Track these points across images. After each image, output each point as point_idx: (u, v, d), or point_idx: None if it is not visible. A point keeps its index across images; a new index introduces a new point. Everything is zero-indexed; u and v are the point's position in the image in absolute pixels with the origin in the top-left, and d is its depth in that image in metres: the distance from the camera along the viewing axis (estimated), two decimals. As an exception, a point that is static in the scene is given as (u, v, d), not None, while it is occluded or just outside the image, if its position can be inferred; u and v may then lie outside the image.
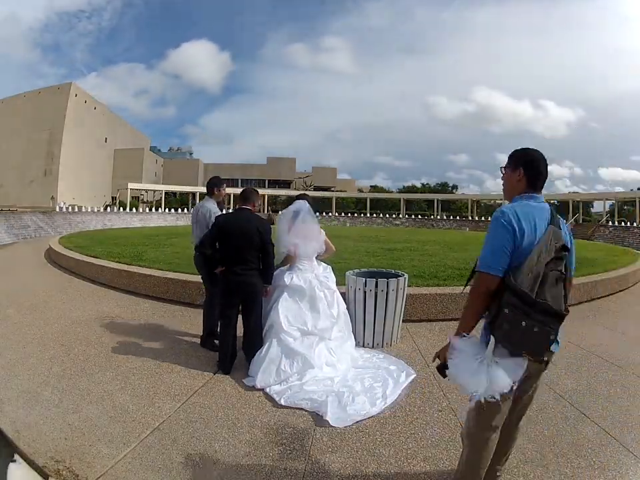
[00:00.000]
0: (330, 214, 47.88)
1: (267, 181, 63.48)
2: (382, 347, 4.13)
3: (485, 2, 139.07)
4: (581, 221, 41.75)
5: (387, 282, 4.03)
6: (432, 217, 52.87)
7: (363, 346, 4.00)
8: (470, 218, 51.41)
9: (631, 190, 49.49)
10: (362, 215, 51.54)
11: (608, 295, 6.76)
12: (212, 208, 3.97)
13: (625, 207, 46.75)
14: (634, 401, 3.03)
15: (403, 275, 4.37)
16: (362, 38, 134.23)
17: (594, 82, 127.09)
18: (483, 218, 50.54)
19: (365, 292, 3.99)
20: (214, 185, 4.11)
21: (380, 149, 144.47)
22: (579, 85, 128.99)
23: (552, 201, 52.42)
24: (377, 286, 3.98)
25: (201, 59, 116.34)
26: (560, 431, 2.61)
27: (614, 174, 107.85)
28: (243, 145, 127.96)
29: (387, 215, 51.67)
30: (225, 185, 4.19)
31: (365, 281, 4.01)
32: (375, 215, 51.56)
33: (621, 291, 7.17)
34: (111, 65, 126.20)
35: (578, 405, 2.93)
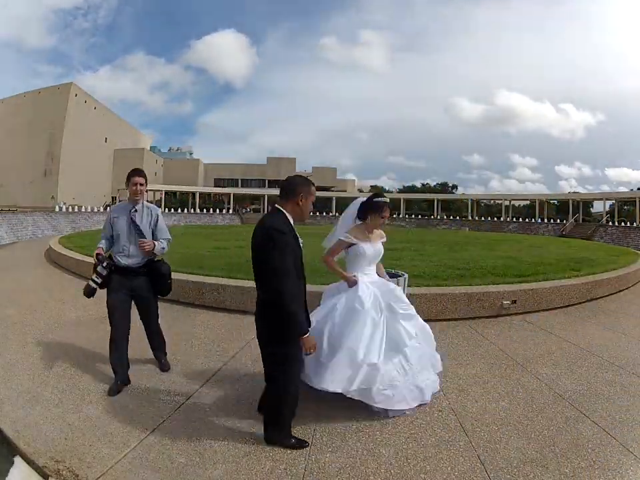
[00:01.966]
0: (330, 214, 48.13)
1: (267, 181, 63.48)
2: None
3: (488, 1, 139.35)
4: (581, 221, 41.76)
5: (387, 282, 4.02)
6: (432, 217, 53.24)
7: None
8: (470, 218, 52.13)
9: (631, 190, 49.52)
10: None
11: (608, 295, 6.75)
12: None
13: (625, 207, 46.74)
14: (634, 401, 3.02)
15: (404, 274, 4.36)
16: (382, 35, 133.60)
17: (606, 81, 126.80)
18: (482, 218, 51.56)
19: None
20: None
21: (392, 149, 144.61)
22: (592, 85, 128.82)
23: (552, 201, 52.76)
24: (377, 286, 3.96)
25: (211, 56, 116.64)
26: (560, 430, 2.60)
27: (621, 174, 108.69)
28: (244, 145, 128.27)
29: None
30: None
31: (365, 280, 3.99)
32: (377, 215, 52.52)
33: (620, 291, 7.17)
34: (108, 62, 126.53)
35: (578, 405, 2.93)
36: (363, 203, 3.22)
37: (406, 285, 4.28)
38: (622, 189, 57.12)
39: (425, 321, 3.37)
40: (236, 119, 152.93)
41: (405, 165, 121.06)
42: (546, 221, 43.75)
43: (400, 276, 4.28)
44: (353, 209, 3.28)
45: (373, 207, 3.14)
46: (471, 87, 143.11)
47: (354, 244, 3.08)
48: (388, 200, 3.22)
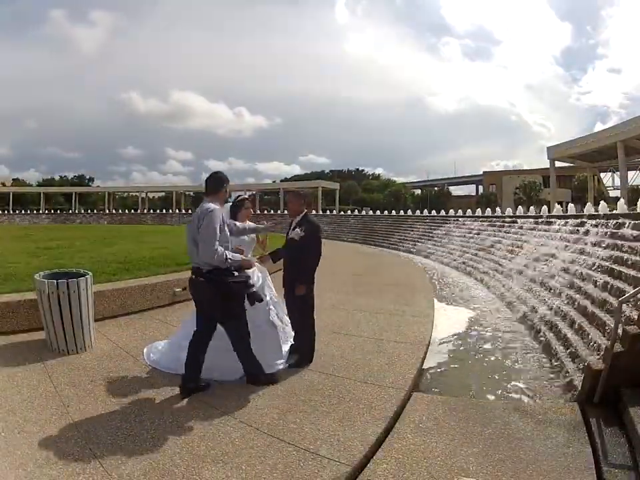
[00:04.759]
0: None
1: None
2: (79, 350, 3.90)
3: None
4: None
5: (77, 282, 3.91)
6: (71, 211, 52.47)
7: (59, 351, 3.72)
8: (107, 211, 53.09)
9: (273, 182, 63.23)
10: (5, 211, 48.40)
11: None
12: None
13: (267, 197, 59.22)
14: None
15: (87, 273, 4.26)
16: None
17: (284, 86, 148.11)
18: (120, 210, 53.36)
19: (58, 295, 3.72)
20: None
21: (51, 139, 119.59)
22: (269, 89, 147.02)
23: (188, 192, 60.52)
24: (68, 287, 3.80)
25: None
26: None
27: (271, 168, 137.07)
28: None
29: (29, 211, 49.48)
30: None
31: (57, 283, 3.73)
32: (17, 211, 49.01)
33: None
34: None
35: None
36: (231, 206, 3.78)
37: (91, 283, 4.25)
38: (252, 180, 70.75)
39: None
40: None
41: (60, 157, 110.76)
42: (183, 211, 47.27)
43: (85, 275, 4.19)
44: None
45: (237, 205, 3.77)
46: (147, 81, 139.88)
47: None
48: (246, 197, 3.83)
